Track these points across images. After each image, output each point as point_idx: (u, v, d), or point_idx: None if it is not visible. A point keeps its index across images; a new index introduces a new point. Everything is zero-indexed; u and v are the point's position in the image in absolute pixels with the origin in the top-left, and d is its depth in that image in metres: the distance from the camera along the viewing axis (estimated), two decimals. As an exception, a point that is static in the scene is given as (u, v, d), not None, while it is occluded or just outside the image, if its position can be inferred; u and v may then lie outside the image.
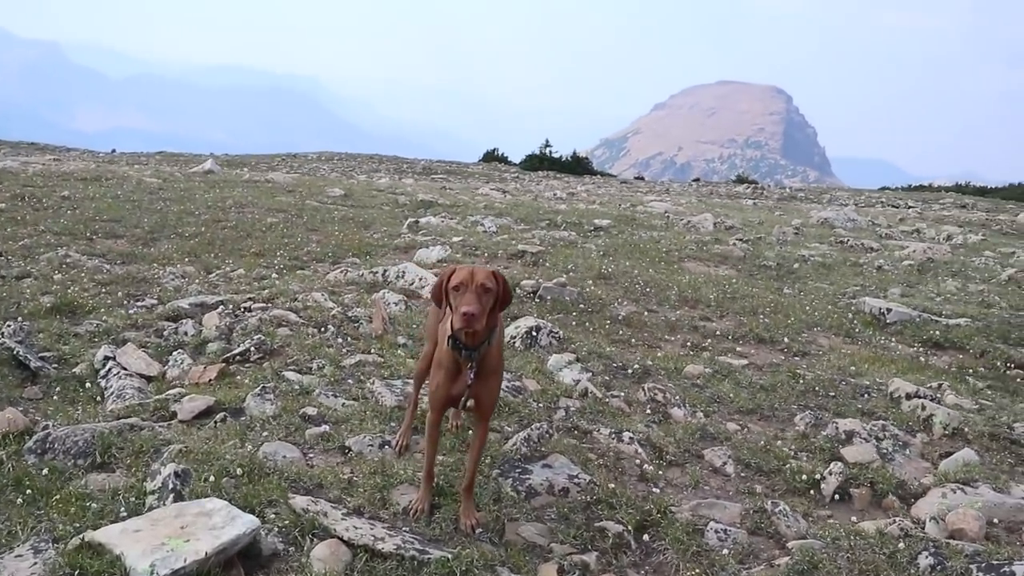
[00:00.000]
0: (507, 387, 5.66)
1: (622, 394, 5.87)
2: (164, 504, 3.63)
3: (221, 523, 3.39)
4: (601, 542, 3.95)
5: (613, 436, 5.05)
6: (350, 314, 6.91)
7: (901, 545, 3.96)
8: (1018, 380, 7.28)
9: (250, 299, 7.23)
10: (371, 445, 4.58)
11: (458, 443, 4.75)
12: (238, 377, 5.50)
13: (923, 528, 4.26)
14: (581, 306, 8.18)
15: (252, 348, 5.87)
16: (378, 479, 4.17)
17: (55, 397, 5.21)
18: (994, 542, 4.19)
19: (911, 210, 26.37)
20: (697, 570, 3.80)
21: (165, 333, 6.38)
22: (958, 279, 11.38)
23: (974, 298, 10.15)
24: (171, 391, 5.15)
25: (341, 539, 3.49)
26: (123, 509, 3.63)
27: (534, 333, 6.67)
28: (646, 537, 4.05)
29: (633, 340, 7.44)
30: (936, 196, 40.52)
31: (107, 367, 5.54)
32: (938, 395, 6.12)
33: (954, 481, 4.74)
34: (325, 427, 4.72)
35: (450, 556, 3.56)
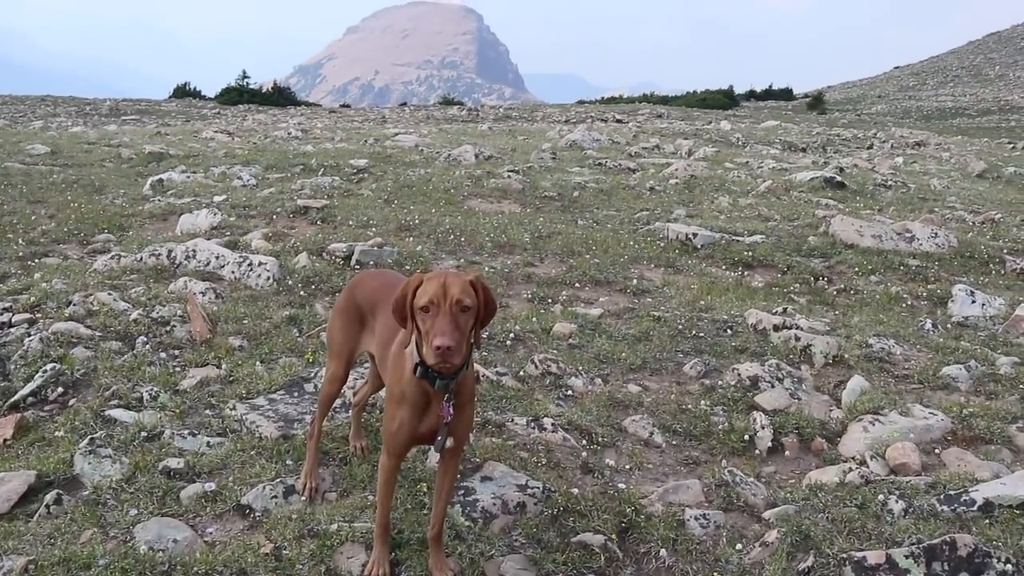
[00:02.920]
0: (389, 383, 4.86)
1: (508, 370, 5.31)
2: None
3: None
4: (590, 560, 3.44)
5: (532, 425, 4.50)
6: (154, 315, 5.58)
7: (868, 492, 3.90)
8: (827, 291, 7.75)
9: (5, 310, 5.59)
10: (275, 497, 3.63)
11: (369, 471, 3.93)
12: (45, 429, 4.15)
13: (868, 468, 4.25)
14: (406, 267, 7.40)
15: (47, 383, 4.48)
16: (311, 545, 3.29)
17: None
18: (930, 469, 4.29)
19: (627, 126, 27.83)
20: (697, 565, 3.45)
21: (-101, 378, 4.70)
22: (725, 194, 12.01)
23: (749, 212, 10.75)
24: (-41, 471, 3.72)
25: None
26: None
27: (387, 310, 5.83)
28: (631, 543, 3.60)
29: (477, 299, 6.84)
30: (634, 108, 43.67)
31: None
32: (793, 321, 6.26)
33: (864, 412, 4.81)
34: (207, 484, 3.66)
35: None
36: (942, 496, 3.79)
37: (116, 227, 8.81)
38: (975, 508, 3.65)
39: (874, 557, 3.28)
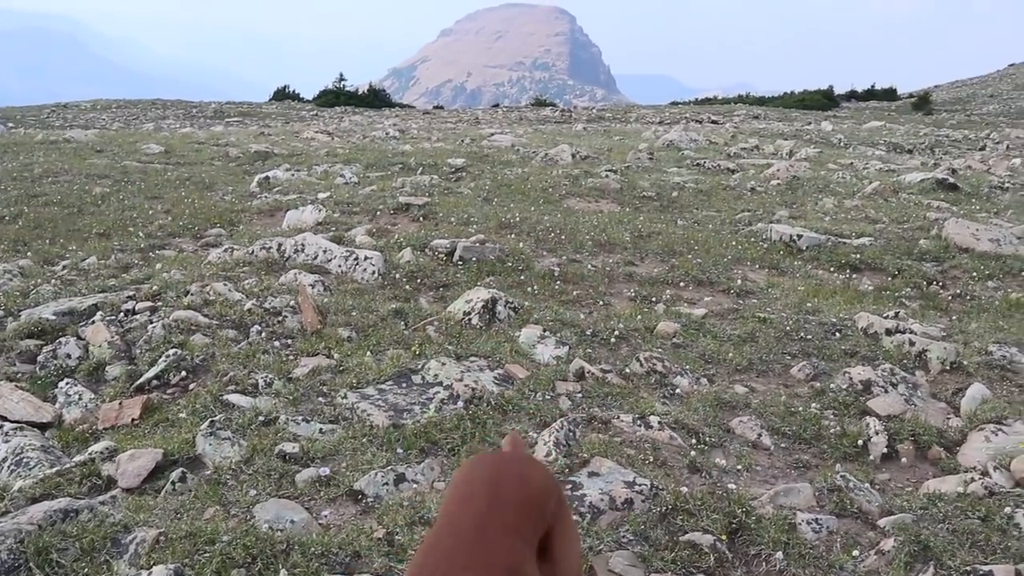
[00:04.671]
0: (494, 377, 4.90)
1: (612, 367, 5.27)
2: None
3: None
4: (699, 560, 3.37)
5: (638, 423, 4.45)
6: (267, 305, 5.77)
7: (992, 504, 3.70)
8: (941, 295, 7.41)
9: (130, 298, 5.88)
10: (386, 484, 3.70)
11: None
12: (168, 410, 4.35)
13: (991, 479, 4.03)
14: (508, 264, 7.43)
15: (170, 367, 4.69)
16: (422, 532, 3.33)
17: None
18: (1058, 485, 4.05)
19: (723, 127, 27.31)
20: (810, 570, 3.33)
21: (40, 358, 4.99)
22: (829, 195, 11.64)
23: (855, 214, 10.38)
24: (95, 447, 3.92)
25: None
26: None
27: (491, 307, 5.87)
28: (741, 544, 3.51)
29: (579, 297, 6.83)
30: (729, 109, 42.79)
31: (-21, 420, 4.19)
32: (907, 326, 6.00)
33: (986, 421, 4.58)
34: (321, 469, 3.75)
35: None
36: (1071, 512, 3.58)
37: (227, 222, 9.16)
38: (1107, 524, 3.44)
39: (1002, 572, 3.12)
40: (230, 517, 3.40)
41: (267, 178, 11.89)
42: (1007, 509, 3.64)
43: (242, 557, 3.02)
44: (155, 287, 6.07)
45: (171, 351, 4.83)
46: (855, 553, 3.45)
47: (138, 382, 4.61)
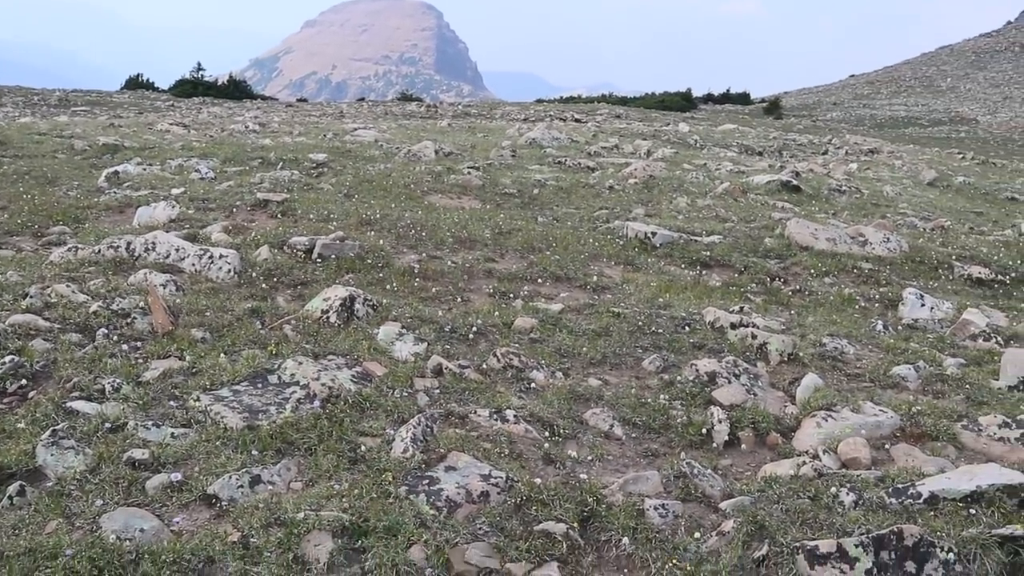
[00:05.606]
0: (352, 375, 4.90)
1: (470, 363, 5.38)
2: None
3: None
4: (552, 548, 3.52)
5: (495, 417, 4.58)
6: (114, 307, 5.54)
7: (820, 485, 4.03)
8: (783, 291, 7.95)
9: (-41, 302, 5.50)
10: (241, 486, 3.66)
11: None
12: (5, 421, 4.11)
13: (821, 462, 4.40)
14: (368, 261, 7.42)
15: (6, 375, 4.43)
16: (278, 533, 3.32)
17: None
18: (879, 464, 4.46)
19: (586, 125, 28.04)
20: (656, 553, 3.54)
21: None
22: (683, 195, 12.22)
23: (707, 213, 10.96)
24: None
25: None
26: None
27: (349, 305, 5.86)
28: (592, 531, 3.70)
29: (438, 293, 6.91)
30: (592, 108, 44.01)
31: None
32: (750, 320, 6.42)
33: (818, 408, 4.97)
34: (173, 474, 3.67)
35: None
36: (890, 489, 3.94)
37: (71, 219, 8.68)
38: (921, 501, 3.80)
39: (825, 546, 3.42)
40: (74, 529, 3.27)
41: (116, 173, 11.31)
42: (833, 489, 3.96)
43: (87, 570, 2.93)
44: (-12, 290, 5.70)
45: (7, 358, 4.56)
46: (697, 535, 3.69)
47: (-31, 392, 4.33)
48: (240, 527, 3.36)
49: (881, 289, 8.02)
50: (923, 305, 7.29)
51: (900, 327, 6.97)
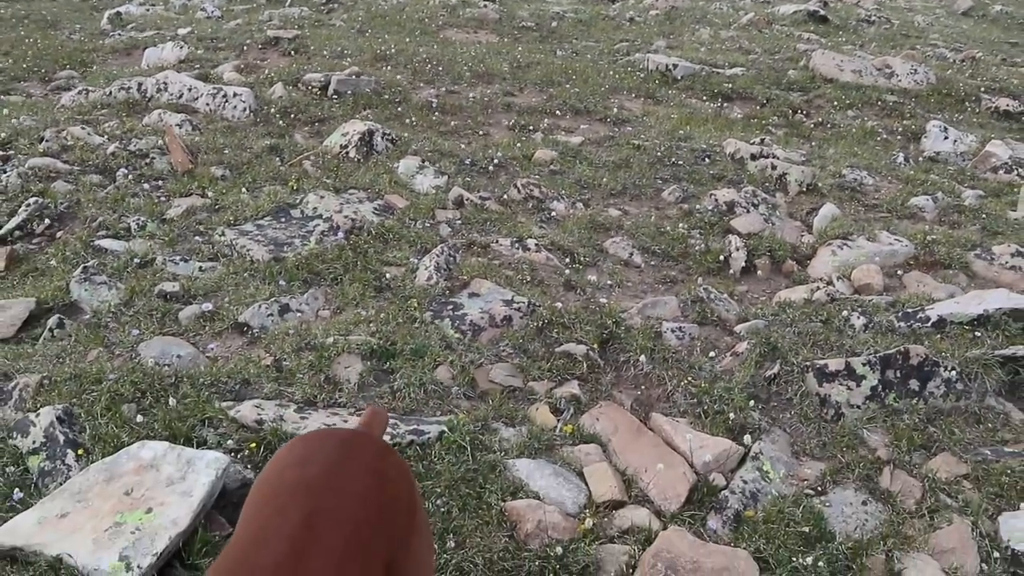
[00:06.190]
0: (374, 208, 4.93)
1: (490, 195, 5.38)
2: (68, 467, 2.70)
3: (178, 473, 2.59)
4: (573, 367, 3.64)
5: (516, 246, 4.62)
6: (132, 148, 5.52)
7: (832, 309, 4.10)
8: (804, 124, 7.76)
9: (-23, 147, 5.50)
10: (271, 315, 3.77)
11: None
12: (36, 260, 4.21)
13: (834, 287, 4.44)
14: (385, 96, 7.28)
15: (32, 217, 4.49)
16: (309, 357, 3.45)
17: None
18: (891, 290, 4.50)
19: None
20: (672, 371, 3.65)
21: None
22: (706, 26, 11.73)
23: (730, 45, 10.53)
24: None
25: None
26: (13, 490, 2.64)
27: (368, 139, 5.80)
28: (612, 352, 3.80)
29: (457, 127, 6.81)
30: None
31: None
32: (770, 151, 6.31)
33: (834, 237, 4.97)
34: (204, 305, 3.77)
35: (446, 429, 3.07)
36: (900, 313, 4.01)
37: (78, 63, 8.52)
38: (929, 324, 3.87)
39: (834, 364, 3.52)
40: (115, 357, 3.41)
41: (119, 14, 10.97)
42: (844, 312, 4.03)
43: (131, 393, 3.08)
44: (3, 134, 5.68)
45: (31, 200, 4.61)
46: (712, 355, 3.79)
47: (-1, 234, 4.41)
48: (272, 352, 3.48)
49: (905, 122, 7.79)
50: (946, 138, 7.11)
51: (921, 159, 6.84)
